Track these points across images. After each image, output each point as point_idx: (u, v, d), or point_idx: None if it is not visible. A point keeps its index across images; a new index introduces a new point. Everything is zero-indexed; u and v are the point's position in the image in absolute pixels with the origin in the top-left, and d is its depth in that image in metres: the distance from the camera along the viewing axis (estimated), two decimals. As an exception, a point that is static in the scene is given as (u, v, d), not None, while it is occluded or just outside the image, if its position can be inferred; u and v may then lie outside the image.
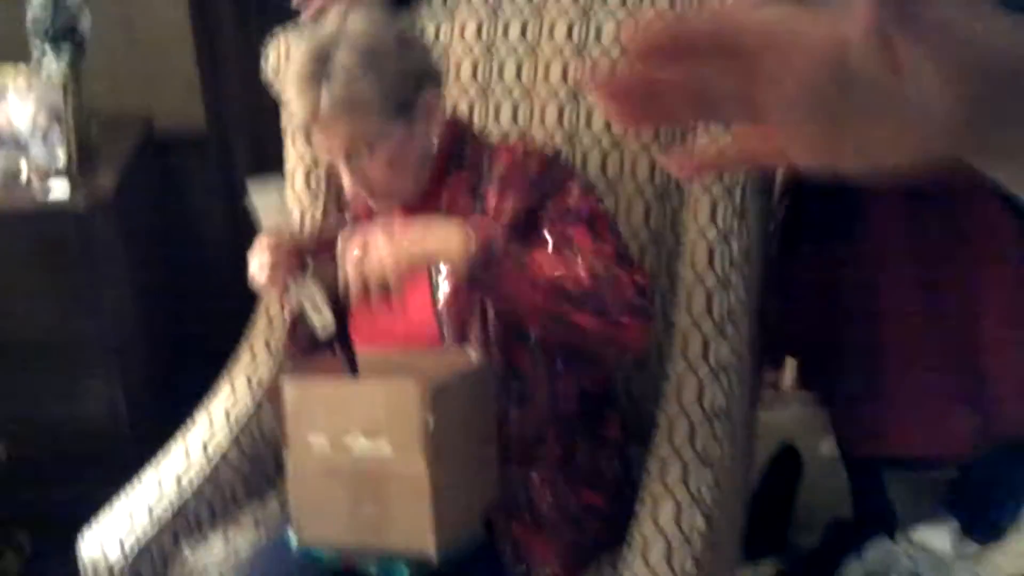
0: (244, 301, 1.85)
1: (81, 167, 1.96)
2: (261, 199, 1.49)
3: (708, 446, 1.53)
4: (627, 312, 1.35)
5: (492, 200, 1.48)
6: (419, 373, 1.33)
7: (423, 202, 1.50)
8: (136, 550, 1.52)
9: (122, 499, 1.59)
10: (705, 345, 1.59)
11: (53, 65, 2.01)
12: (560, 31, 1.79)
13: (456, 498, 1.35)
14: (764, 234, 1.78)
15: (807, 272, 1.85)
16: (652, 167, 1.74)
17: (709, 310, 1.61)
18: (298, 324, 1.60)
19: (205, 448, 1.66)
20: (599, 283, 1.33)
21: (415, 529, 1.30)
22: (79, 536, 1.53)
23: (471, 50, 1.82)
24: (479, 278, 1.32)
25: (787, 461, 2.26)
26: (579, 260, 1.35)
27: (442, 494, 1.30)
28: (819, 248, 1.83)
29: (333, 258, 1.58)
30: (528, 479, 1.48)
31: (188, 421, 1.71)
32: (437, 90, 1.51)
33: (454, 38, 1.83)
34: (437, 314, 1.48)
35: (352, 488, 1.33)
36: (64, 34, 2.04)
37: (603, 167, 1.77)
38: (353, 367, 1.44)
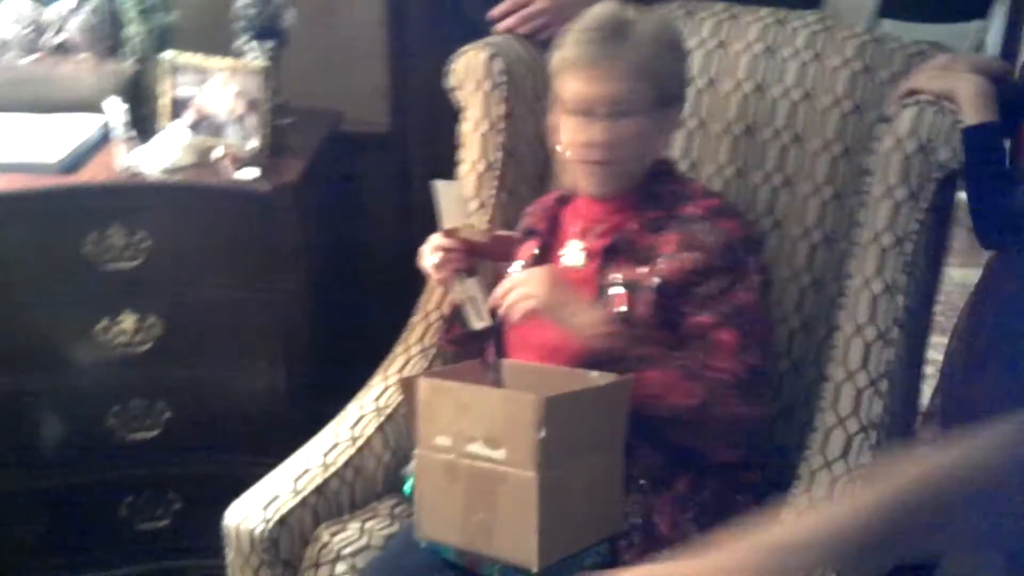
0: (409, 297, 1.92)
1: (272, 155, 2.06)
2: (445, 197, 1.62)
3: (848, 504, 1.49)
4: (721, 440, 1.48)
5: (665, 247, 1.51)
6: (551, 387, 1.35)
7: (615, 221, 1.56)
8: (278, 523, 1.59)
9: (271, 475, 1.67)
10: (857, 401, 1.56)
11: (255, 57, 2.12)
12: (741, 67, 1.77)
13: (567, 515, 1.35)
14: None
15: None
16: (822, 209, 1.71)
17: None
18: (455, 319, 1.68)
19: (354, 439, 1.72)
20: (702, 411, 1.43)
21: (520, 539, 1.32)
22: (226, 504, 1.62)
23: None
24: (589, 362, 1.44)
25: None
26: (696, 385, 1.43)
27: (550, 507, 1.31)
28: None
29: (500, 266, 1.64)
30: (652, 509, 1.47)
31: (341, 410, 1.79)
32: (680, 111, 1.57)
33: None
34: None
35: (468, 491, 1.36)
36: (267, 29, 2.16)
37: (771, 206, 1.75)
38: (497, 370, 1.52)
